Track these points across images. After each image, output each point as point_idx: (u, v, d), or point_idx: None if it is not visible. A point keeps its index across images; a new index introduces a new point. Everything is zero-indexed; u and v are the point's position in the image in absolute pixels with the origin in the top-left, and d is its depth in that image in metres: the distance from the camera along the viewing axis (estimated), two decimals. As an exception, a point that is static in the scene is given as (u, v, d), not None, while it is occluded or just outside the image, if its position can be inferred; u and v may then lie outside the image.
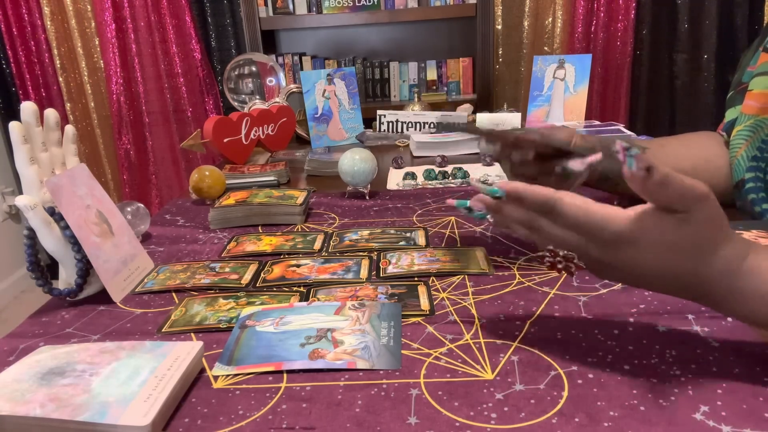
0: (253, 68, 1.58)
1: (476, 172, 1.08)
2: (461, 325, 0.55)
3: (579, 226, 0.43)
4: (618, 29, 2.13)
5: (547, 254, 0.46)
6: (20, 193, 0.63)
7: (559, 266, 0.45)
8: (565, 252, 0.45)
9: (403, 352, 0.51)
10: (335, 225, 0.86)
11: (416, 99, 1.73)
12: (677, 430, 0.40)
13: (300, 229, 0.85)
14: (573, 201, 0.44)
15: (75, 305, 0.64)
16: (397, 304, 0.59)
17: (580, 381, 0.46)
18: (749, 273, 0.42)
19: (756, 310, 0.43)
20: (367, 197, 0.98)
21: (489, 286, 0.63)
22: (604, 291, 0.60)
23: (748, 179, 0.66)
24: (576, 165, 0.60)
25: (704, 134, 0.80)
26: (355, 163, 0.95)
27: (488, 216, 0.49)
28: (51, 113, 0.67)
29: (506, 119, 1.37)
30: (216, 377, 0.49)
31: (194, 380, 0.49)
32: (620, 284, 0.60)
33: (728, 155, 0.73)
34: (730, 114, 0.76)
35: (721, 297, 0.43)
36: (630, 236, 0.41)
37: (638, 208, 0.42)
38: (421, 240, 0.77)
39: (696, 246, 0.41)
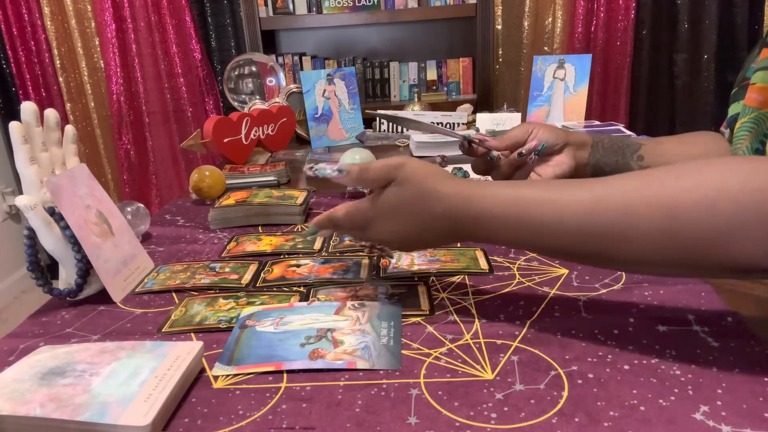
0: (253, 68, 1.58)
1: (476, 172, 1.08)
2: (461, 325, 0.55)
3: (352, 225, 0.57)
4: (618, 29, 2.13)
5: (363, 247, 0.65)
6: (20, 193, 0.63)
7: (374, 252, 0.64)
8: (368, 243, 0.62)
9: (403, 352, 0.51)
10: (335, 225, 0.86)
11: (416, 99, 1.73)
12: (677, 430, 0.40)
13: (300, 229, 0.85)
14: (337, 211, 0.57)
15: (75, 305, 0.64)
16: (397, 304, 0.59)
17: (580, 381, 0.46)
18: (472, 203, 0.50)
19: (492, 233, 0.50)
20: (367, 197, 0.98)
21: (489, 286, 0.63)
22: (604, 291, 0.60)
23: None
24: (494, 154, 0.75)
25: (703, 133, 0.80)
26: (355, 163, 0.95)
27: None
28: (51, 113, 0.67)
29: (506, 119, 1.37)
30: (216, 377, 0.49)
31: (194, 380, 0.49)
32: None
33: (728, 152, 0.73)
34: (733, 109, 0.76)
35: (463, 229, 0.51)
36: (371, 216, 0.54)
37: (368, 197, 0.55)
38: (421, 240, 0.77)
39: (417, 197, 0.51)
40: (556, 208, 0.46)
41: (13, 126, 0.62)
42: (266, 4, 2.18)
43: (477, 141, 0.76)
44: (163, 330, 0.58)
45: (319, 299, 0.62)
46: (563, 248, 0.47)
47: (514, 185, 0.50)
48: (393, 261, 0.70)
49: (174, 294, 0.66)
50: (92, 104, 2.38)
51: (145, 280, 0.70)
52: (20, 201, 0.59)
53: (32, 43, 2.32)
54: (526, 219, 0.48)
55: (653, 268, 0.46)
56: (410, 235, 0.53)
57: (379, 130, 1.50)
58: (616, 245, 0.44)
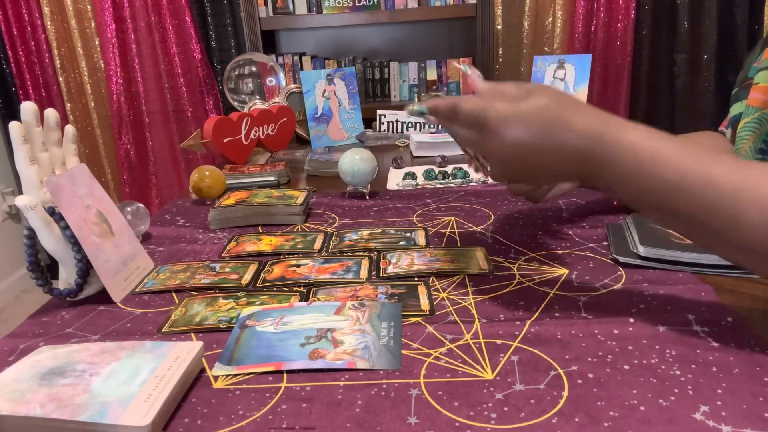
0: (253, 68, 1.58)
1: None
2: (461, 325, 0.55)
3: (469, 123, 0.51)
4: (618, 29, 2.13)
5: (468, 155, 0.59)
6: (20, 193, 0.63)
7: (475, 165, 0.57)
8: (475, 152, 0.56)
9: (403, 352, 0.51)
10: (335, 225, 0.86)
11: (416, 99, 1.73)
12: (677, 430, 0.40)
13: (300, 229, 0.85)
14: (466, 102, 0.51)
15: (75, 305, 0.64)
16: (397, 304, 0.59)
17: (580, 381, 0.46)
18: (611, 146, 0.47)
19: (614, 182, 0.48)
20: (367, 197, 0.98)
21: (489, 286, 0.63)
22: (604, 291, 0.60)
23: None
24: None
25: (708, 134, 0.80)
26: (355, 163, 0.95)
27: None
28: (51, 113, 0.67)
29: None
30: (216, 377, 0.49)
31: (194, 380, 0.49)
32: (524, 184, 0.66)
33: (732, 153, 0.73)
34: (735, 108, 0.76)
35: (586, 169, 0.48)
36: (497, 123, 0.48)
37: (519, 92, 0.50)
38: (421, 240, 0.77)
39: (552, 119, 0.48)
40: (696, 177, 0.44)
41: (13, 126, 0.62)
42: (266, 4, 2.18)
43: None
44: (163, 330, 0.58)
45: (319, 299, 0.62)
46: (695, 218, 0.45)
47: (653, 136, 0.47)
48: (393, 261, 0.70)
49: (174, 294, 0.66)
50: (92, 104, 2.38)
51: (145, 280, 0.70)
52: (20, 201, 0.59)
53: (32, 43, 2.32)
54: (655, 176, 0.45)
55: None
56: (528, 156, 0.49)
57: (379, 130, 1.50)
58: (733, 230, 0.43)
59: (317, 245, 0.77)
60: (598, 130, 0.47)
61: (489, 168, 0.52)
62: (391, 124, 1.49)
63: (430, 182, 1.04)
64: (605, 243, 0.72)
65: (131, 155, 2.44)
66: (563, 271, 0.65)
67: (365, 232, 0.80)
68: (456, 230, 0.81)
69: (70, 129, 0.70)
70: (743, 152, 0.69)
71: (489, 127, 0.49)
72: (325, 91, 1.39)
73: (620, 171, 0.47)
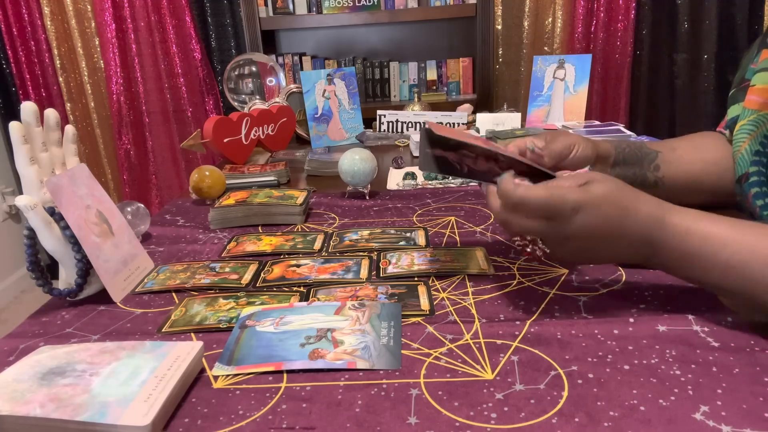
0: (253, 68, 1.58)
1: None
2: (461, 325, 0.55)
3: (544, 211, 0.50)
4: (618, 29, 2.13)
5: (518, 240, 0.57)
6: (20, 193, 0.63)
7: (528, 249, 0.56)
8: (532, 237, 0.55)
9: (403, 352, 0.51)
10: (335, 225, 0.86)
11: (416, 99, 1.73)
12: (677, 430, 0.40)
13: (300, 229, 0.85)
14: (535, 192, 0.50)
15: (75, 305, 0.64)
16: (397, 304, 0.59)
17: (580, 381, 0.46)
18: (669, 230, 0.51)
19: (674, 264, 0.52)
20: (367, 197, 0.98)
21: (489, 286, 0.63)
22: (604, 291, 0.60)
23: (751, 173, 0.67)
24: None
25: (709, 135, 0.80)
26: (355, 163, 0.95)
27: None
28: (51, 113, 0.67)
29: (506, 119, 1.37)
30: (216, 377, 0.49)
31: (194, 380, 0.49)
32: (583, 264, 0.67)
33: (731, 154, 0.73)
34: (732, 111, 0.76)
35: (651, 252, 0.52)
36: (566, 234, 0.50)
37: (580, 179, 0.52)
38: (421, 240, 0.77)
39: (617, 216, 0.50)
40: (747, 253, 0.47)
41: (13, 126, 0.62)
42: (266, 4, 2.18)
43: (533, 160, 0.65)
44: (163, 330, 0.58)
45: (319, 299, 0.62)
46: (746, 292, 0.49)
47: (709, 219, 0.51)
48: (393, 261, 0.70)
49: (174, 294, 0.66)
50: (92, 104, 2.37)
51: (145, 280, 0.70)
52: (20, 201, 0.59)
53: (32, 43, 2.32)
54: (713, 256, 0.49)
55: None
56: (593, 239, 0.51)
57: (379, 130, 1.50)
58: None
59: (317, 245, 0.77)
60: (658, 215, 0.51)
61: (548, 250, 0.54)
62: (391, 124, 1.49)
63: (430, 182, 1.04)
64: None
65: (131, 155, 2.44)
66: (563, 271, 0.65)
67: (365, 232, 0.80)
68: (456, 230, 0.81)
69: (70, 129, 0.70)
70: (740, 154, 0.69)
71: (563, 215, 0.50)
72: (325, 91, 1.39)
73: (676, 254, 0.51)
